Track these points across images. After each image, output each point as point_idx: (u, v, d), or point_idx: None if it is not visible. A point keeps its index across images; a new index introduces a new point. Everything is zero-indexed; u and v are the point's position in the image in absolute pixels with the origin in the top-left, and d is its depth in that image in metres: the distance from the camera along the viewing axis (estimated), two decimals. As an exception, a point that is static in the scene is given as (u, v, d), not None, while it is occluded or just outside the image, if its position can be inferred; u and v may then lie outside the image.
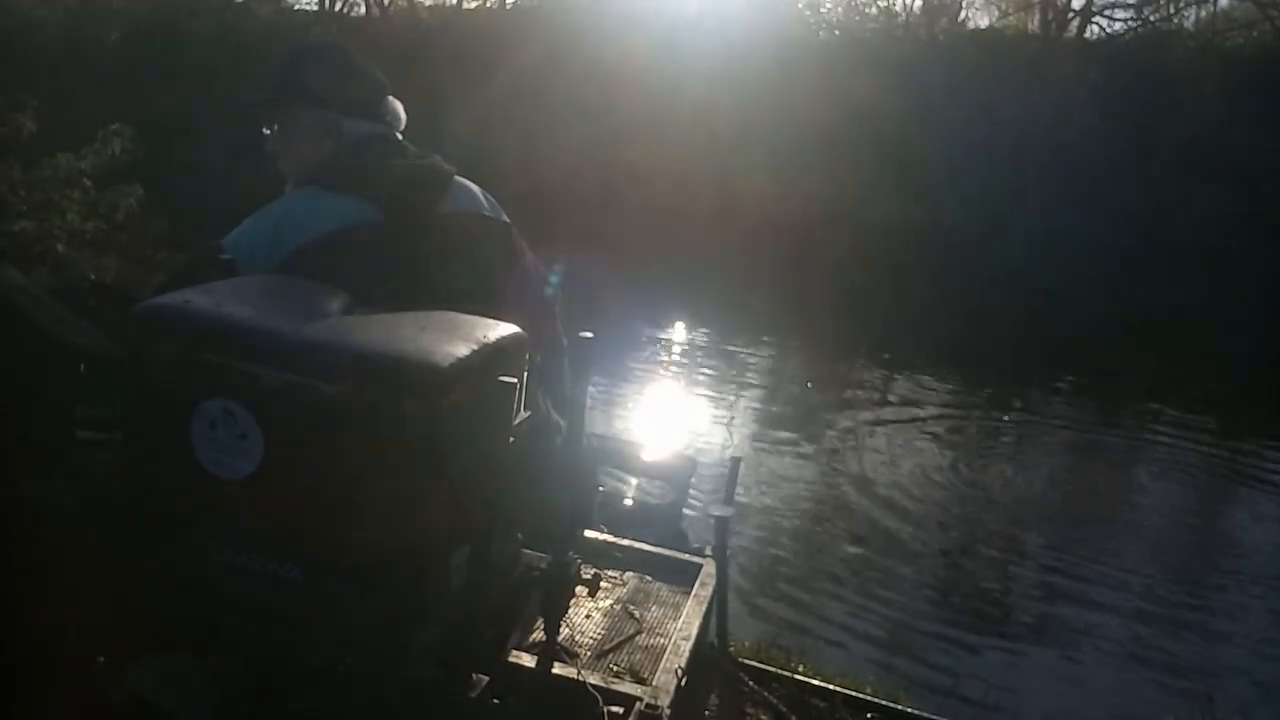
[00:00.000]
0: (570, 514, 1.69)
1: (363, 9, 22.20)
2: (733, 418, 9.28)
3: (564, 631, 2.57)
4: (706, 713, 3.30)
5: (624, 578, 3.10)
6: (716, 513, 3.56)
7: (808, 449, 8.66)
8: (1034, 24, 21.53)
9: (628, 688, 2.45)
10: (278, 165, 1.95)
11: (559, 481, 1.68)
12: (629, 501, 6.27)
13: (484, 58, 17.46)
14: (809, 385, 11.09)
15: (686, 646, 2.72)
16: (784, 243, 14.26)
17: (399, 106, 1.98)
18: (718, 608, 3.37)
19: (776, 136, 16.23)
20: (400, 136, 1.97)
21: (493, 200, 2.00)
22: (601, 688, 2.32)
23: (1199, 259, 14.90)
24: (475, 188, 1.99)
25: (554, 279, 2.07)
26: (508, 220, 2.01)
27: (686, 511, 6.49)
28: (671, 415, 9.37)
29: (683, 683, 2.54)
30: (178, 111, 15.08)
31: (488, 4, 22.30)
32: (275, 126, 1.94)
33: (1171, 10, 21.12)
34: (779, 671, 3.65)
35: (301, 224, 1.73)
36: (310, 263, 1.66)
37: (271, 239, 1.72)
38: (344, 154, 1.85)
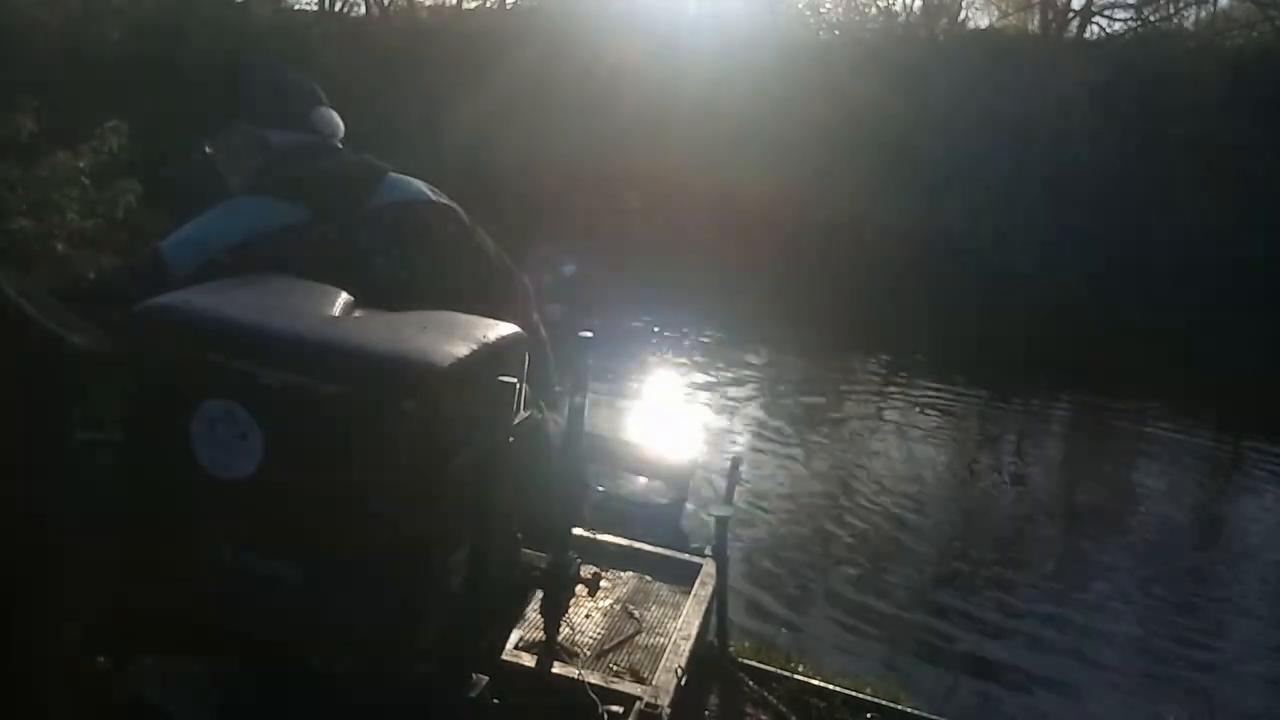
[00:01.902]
0: (562, 512, 1.69)
1: (363, 9, 22.18)
2: (733, 418, 9.28)
3: (564, 631, 2.57)
4: (706, 713, 3.30)
5: (624, 578, 3.11)
6: (716, 513, 3.57)
7: (808, 449, 8.66)
8: (1034, 24, 21.56)
9: (628, 687, 2.45)
10: (226, 185, 2.03)
11: (552, 480, 1.68)
12: (629, 502, 6.26)
13: (484, 58, 17.43)
14: (809, 385, 11.09)
15: (686, 646, 2.72)
16: (784, 243, 14.26)
17: (334, 116, 2.06)
18: (718, 608, 3.37)
19: (776, 137, 16.20)
20: (339, 145, 2.03)
21: (437, 190, 2.04)
22: (601, 687, 2.33)
23: (1199, 258, 14.89)
24: (416, 181, 2.03)
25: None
26: (452, 204, 2.03)
27: (688, 507, 6.49)
28: (671, 415, 9.36)
29: (683, 683, 2.54)
30: (178, 111, 15.03)
31: (488, 4, 22.30)
32: (216, 147, 2.04)
33: (1171, 10, 21.15)
34: (779, 671, 3.65)
35: (228, 228, 1.81)
36: (238, 266, 1.71)
37: (202, 243, 1.80)
38: (272, 164, 1.93)
